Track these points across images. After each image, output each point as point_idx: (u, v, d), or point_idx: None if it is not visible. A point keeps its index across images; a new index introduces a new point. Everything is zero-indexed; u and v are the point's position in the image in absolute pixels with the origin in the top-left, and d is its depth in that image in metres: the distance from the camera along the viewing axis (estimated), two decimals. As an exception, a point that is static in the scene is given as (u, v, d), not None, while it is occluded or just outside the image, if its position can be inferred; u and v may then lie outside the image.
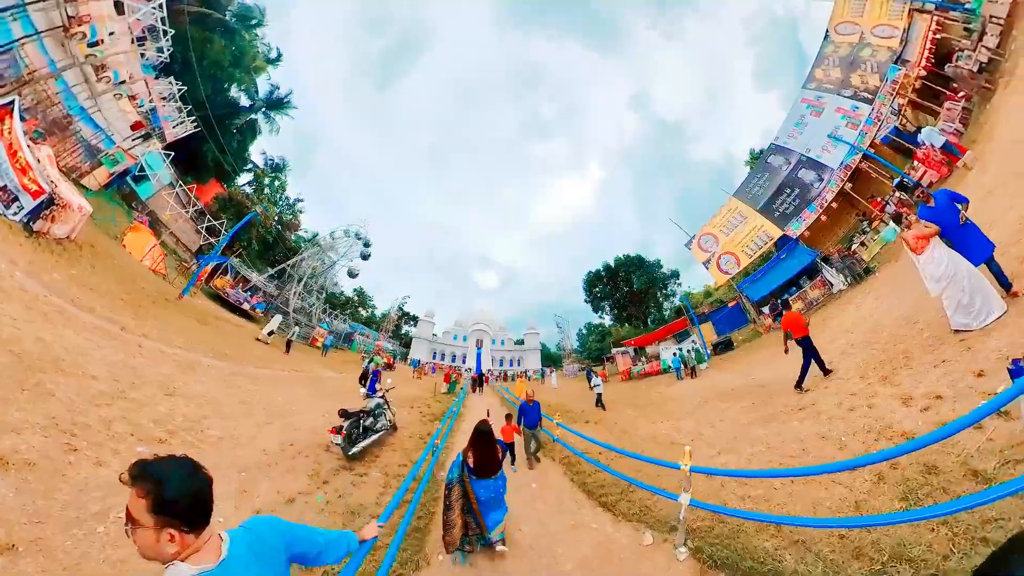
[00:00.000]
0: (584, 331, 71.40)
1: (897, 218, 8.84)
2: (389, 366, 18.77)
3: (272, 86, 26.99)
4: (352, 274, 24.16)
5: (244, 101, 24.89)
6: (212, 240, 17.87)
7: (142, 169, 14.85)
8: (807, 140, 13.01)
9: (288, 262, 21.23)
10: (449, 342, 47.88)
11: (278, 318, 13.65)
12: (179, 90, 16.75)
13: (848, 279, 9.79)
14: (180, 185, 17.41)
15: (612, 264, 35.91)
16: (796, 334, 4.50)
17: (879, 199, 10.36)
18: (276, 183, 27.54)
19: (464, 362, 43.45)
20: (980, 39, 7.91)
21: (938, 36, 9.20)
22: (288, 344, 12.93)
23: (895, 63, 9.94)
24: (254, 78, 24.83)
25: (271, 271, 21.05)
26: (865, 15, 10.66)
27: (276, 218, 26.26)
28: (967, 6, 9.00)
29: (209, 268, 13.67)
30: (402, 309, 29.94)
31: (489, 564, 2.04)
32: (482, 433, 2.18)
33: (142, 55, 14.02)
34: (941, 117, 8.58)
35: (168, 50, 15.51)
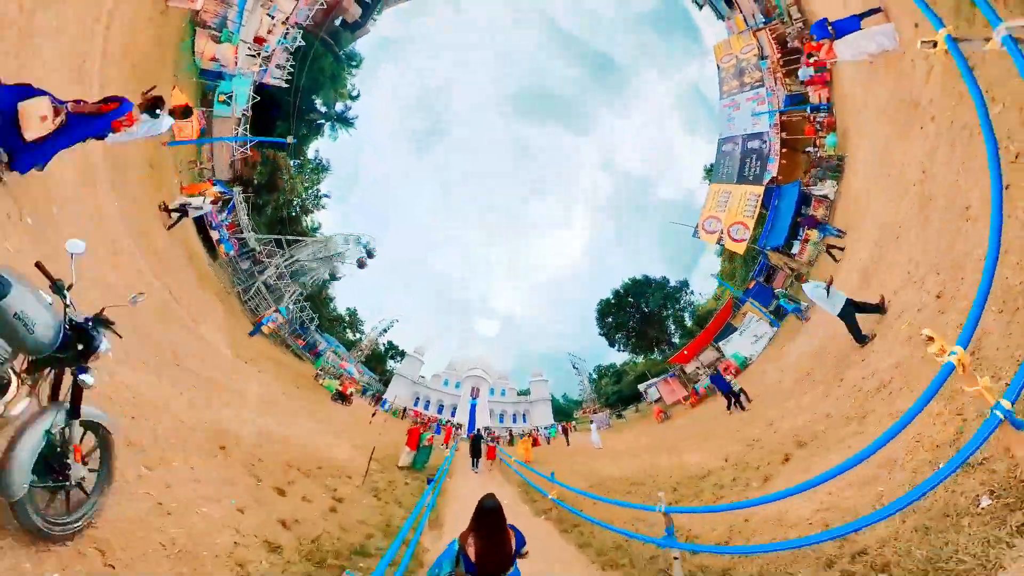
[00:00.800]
0: (595, 375, 67.22)
1: (831, 127, 12.16)
2: (342, 395, 14.91)
3: (345, 106, 32.92)
4: (361, 266, 22.75)
5: (321, 108, 31.01)
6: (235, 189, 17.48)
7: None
8: (741, 125, 17.85)
9: (287, 238, 20.72)
10: (438, 387, 41.39)
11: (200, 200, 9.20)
12: (291, 54, 18.93)
13: (833, 183, 11.59)
14: (246, 120, 17.36)
15: (620, 290, 35.20)
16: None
17: (809, 117, 13.56)
18: (315, 176, 31.04)
19: (454, 415, 37.17)
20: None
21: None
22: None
23: (762, 59, 16.67)
24: (335, 99, 31.04)
25: (268, 236, 19.82)
26: (732, 45, 18.02)
27: (300, 199, 27.60)
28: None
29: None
30: (386, 332, 27.50)
31: None
32: (489, 512, 1.65)
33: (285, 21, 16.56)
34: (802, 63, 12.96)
35: (298, 39, 18.60)
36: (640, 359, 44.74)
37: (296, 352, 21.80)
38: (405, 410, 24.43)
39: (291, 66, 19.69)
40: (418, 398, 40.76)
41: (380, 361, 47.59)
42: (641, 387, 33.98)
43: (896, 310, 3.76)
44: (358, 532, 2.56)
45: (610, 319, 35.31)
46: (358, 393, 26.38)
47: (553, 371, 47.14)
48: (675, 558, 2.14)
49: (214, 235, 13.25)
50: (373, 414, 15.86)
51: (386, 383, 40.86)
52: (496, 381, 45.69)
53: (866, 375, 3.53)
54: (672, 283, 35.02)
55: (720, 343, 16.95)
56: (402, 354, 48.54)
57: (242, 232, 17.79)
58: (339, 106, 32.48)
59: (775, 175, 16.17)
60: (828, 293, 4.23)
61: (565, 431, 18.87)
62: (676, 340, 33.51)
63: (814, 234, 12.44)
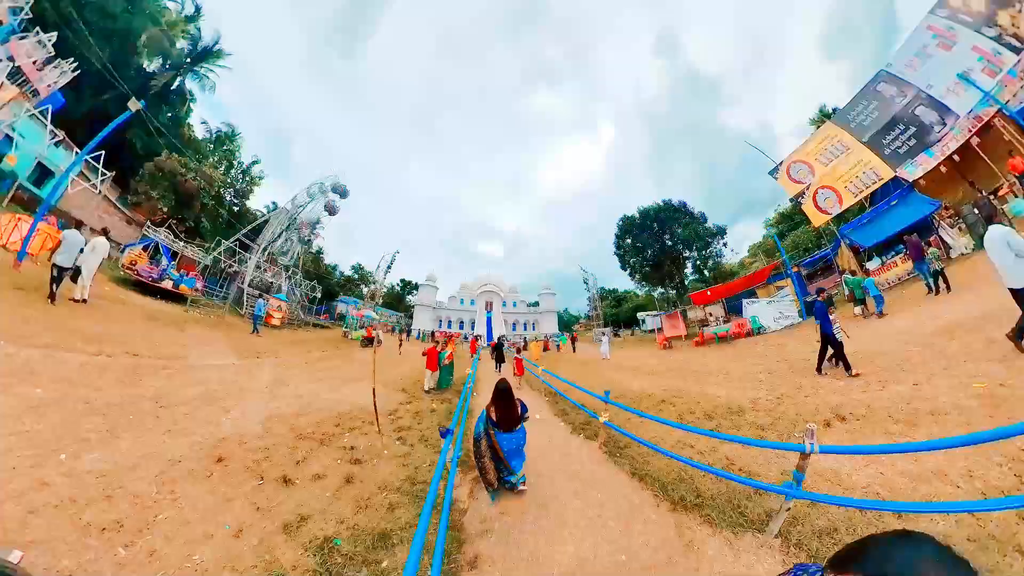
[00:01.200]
0: (596, 295, 71.24)
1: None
2: (369, 339, 15.13)
3: (192, 36, 23.55)
4: (332, 211, 21.13)
5: (150, 63, 22.08)
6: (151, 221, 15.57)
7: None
8: (929, 74, 11.69)
9: (242, 232, 18.92)
10: (455, 307, 44.67)
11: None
12: (49, 40, 13.23)
13: (970, 242, 9.02)
14: (99, 174, 14.47)
15: (651, 209, 31.91)
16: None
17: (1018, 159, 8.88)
18: (226, 153, 26.29)
19: (473, 328, 41.10)
20: None
21: None
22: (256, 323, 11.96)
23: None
24: (165, 41, 21.65)
25: (227, 245, 18.29)
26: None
27: (227, 187, 24.45)
28: None
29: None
30: (391, 268, 27.41)
31: (515, 501, 2.44)
32: (502, 392, 2.63)
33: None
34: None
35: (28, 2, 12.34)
36: (643, 290, 44.88)
37: (321, 325, 21.94)
38: (433, 333, 26.02)
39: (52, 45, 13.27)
40: (440, 320, 44.99)
41: (401, 299, 51.75)
42: (641, 315, 36.04)
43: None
44: (379, 508, 2.45)
45: (629, 239, 32.98)
46: (387, 332, 27.24)
47: (556, 288, 49.07)
48: (787, 509, 1.92)
49: (166, 285, 12.01)
50: (400, 344, 17.04)
51: (412, 316, 44.48)
52: (507, 295, 48.87)
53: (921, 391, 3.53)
54: (709, 225, 30.34)
55: (744, 301, 15.02)
56: (416, 287, 52.48)
57: (196, 260, 16.43)
58: (182, 45, 23.16)
59: (919, 178, 11.73)
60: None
61: (573, 340, 20.83)
62: (687, 283, 32.62)
63: (905, 266, 10.11)
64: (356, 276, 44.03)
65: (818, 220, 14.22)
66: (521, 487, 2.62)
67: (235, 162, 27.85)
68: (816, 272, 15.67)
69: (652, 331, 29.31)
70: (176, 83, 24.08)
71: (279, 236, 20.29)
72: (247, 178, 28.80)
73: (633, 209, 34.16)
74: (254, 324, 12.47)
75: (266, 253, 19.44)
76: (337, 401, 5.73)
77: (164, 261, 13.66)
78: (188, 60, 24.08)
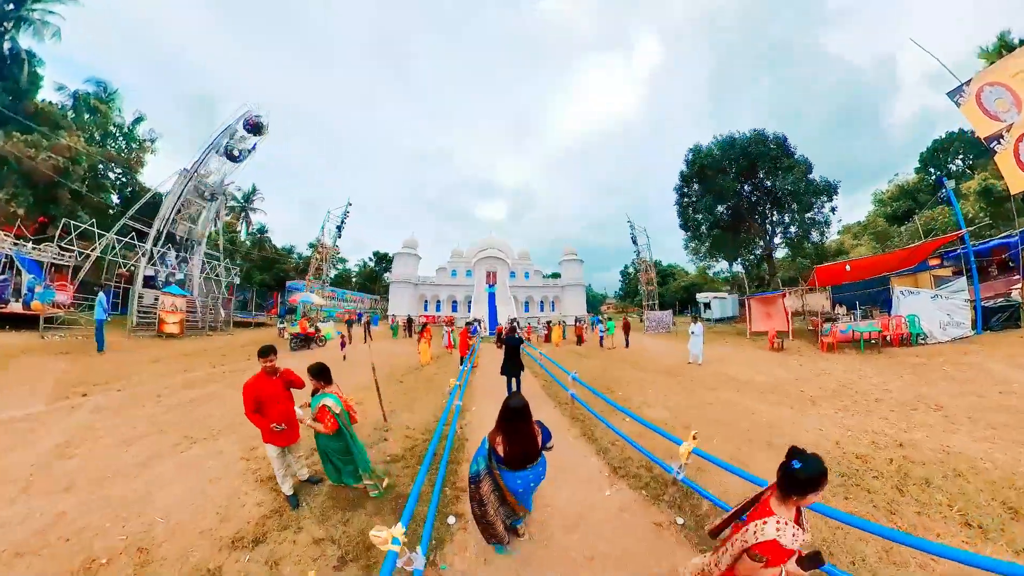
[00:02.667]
0: (632, 269, 67.73)
1: None
2: (303, 338, 13.41)
3: None
4: (232, 155, 18.65)
5: None
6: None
7: None
8: None
9: (126, 216, 17.04)
10: (445, 281, 40.69)
11: None
12: None
13: None
14: None
15: (737, 142, 26.52)
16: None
17: None
18: (99, 119, 24.78)
19: (469, 310, 36.58)
20: None
21: None
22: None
23: None
24: None
25: (108, 239, 16.05)
26: None
27: (108, 163, 23.20)
28: None
29: None
30: (342, 226, 23.74)
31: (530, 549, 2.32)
32: (515, 412, 2.12)
33: None
34: None
35: None
36: (699, 263, 40.16)
37: (261, 324, 21.05)
38: (410, 321, 23.04)
39: None
40: (425, 301, 40.91)
41: (377, 278, 49.10)
42: (704, 297, 31.77)
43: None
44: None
45: (698, 185, 27.74)
46: (340, 323, 25.92)
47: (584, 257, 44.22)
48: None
49: (14, 308, 11.82)
50: (344, 342, 13.22)
51: (387, 295, 41.10)
52: (516, 263, 44.19)
53: None
54: (814, 177, 25.09)
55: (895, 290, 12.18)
56: (388, 261, 47.89)
57: (66, 266, 14.87)
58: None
59: None
60: None
61: (626, 328, 17.05)
62: (777, 255, 28.31)
63: None
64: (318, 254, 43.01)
65: (1019, 182, 11.36)
66: (520, 530, 2.39)
67: (112, 128, 26.01)
68: (986, 266, 13.58)
69: (719, 320, 26.31)
70: (5, 44, 21.48)
71: (177, 211, 17.92)
72: (133, 144, 26.85)
73: (676, 153, 28.74)
74: (97, 338, 10.63)
75: (165, 238, 17.71)
76: (117, 516, 3.26)
77: (25, 276, 12.90)
78: (9, 4, 21.36)
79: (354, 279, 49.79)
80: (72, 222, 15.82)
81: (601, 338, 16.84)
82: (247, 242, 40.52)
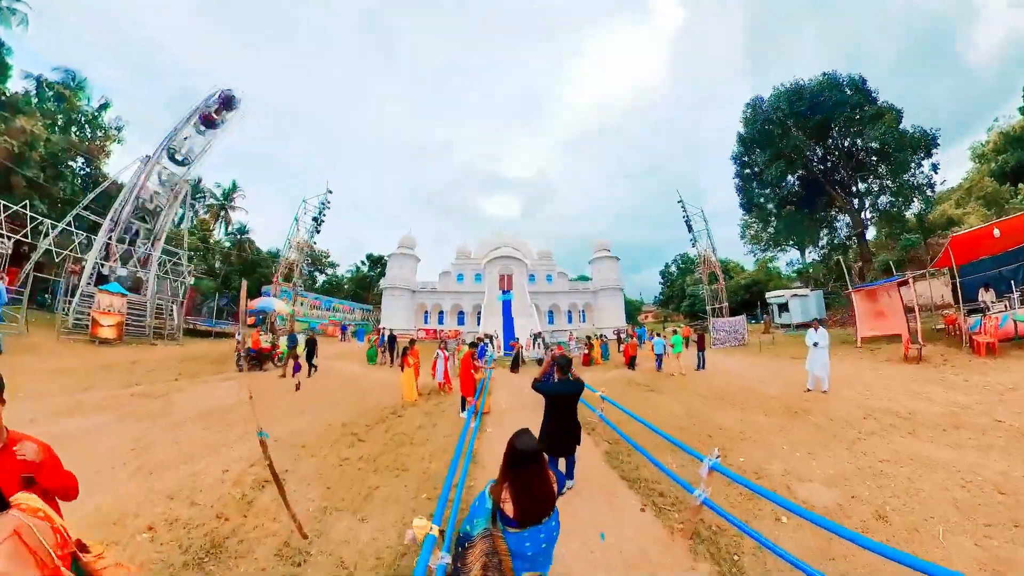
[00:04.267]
0: (675, 268, 64.85)
1: None
2: (260, 356, 12.84)
3: None
4: (175, 158, 19.04)
5: None
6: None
7: None
8: None
9: (81, 204, 18.04)
10: (449, 287, 39.65)
11: None
12: None
13: None
14: None
15: (805, 90, 24.55)
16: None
17: None
18: (60, 107, 26.50)
19: (479, 323, 35.31)
20: None
21: None
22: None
23: None
24: None
25: (62, 227, 16.96)
26: None
27: (69, 151, 24.69)
28: None
29: None
30: (321, 217, 22.94)
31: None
32: (525, 456, 1.99)
33: None
34: None
35: None
36: (761, 255, 37.59)
37: (222, 334, 20.51)
38: (386, 341, 17.88)
39: None
40: (426, 312, 39.84)
41: (371, 286, 49.06)
42: (776, 296, 28.53)
43: None
44: None
45: (760, 150, 25.77)
46: (334, 335, 24.81)
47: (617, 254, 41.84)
48: None
49: None
50: (289, 367, 11.99)
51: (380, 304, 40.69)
52: (536, 263, 42.71)
53: None
54: (907, 127, 22.81)
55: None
56: (381, 264, 47.59)
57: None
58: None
59: None
60: None
61: (700, 343, 14.14)
62: (871, 231, 26.96)
63: None
64: (311, 259, 43.52)
65: None
66: None
67: (78, 116, 27.77)
68: None
69: (801, 326, 24.09)
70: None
71: (139, 203, 18.38)
72: (96, 131, 28.46)
73: (708, 143, 26.86)
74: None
75: (121, 231, 17.99)
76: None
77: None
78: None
79: (346, 286, 49.94)
80: (3, 203, 15.69)
81: (659, 359, 14.73)
82: (226, 243, 41.39)
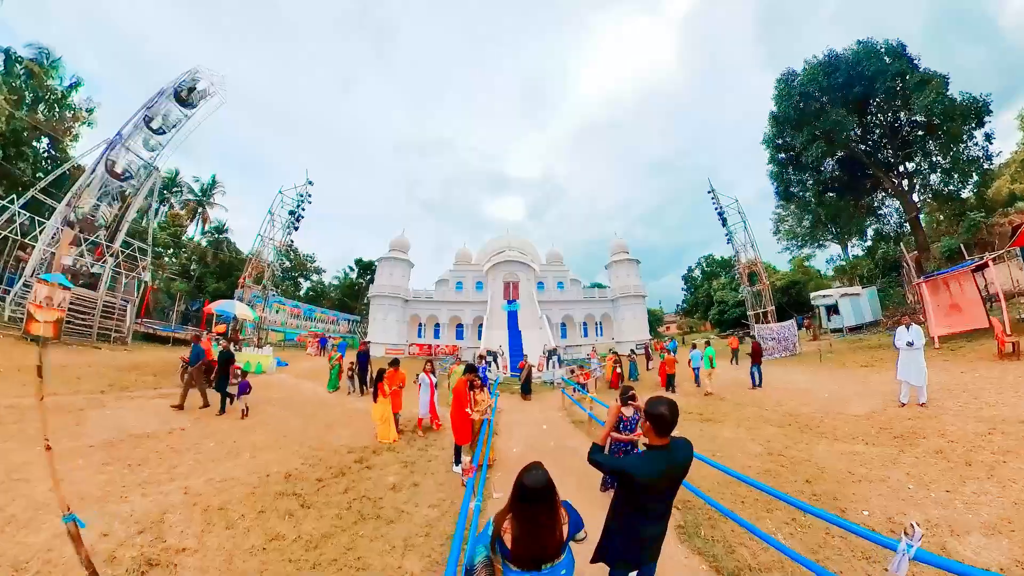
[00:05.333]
0: (699, 272, 63.93)
1: None
2: (210, 369, 10.20)
3: None
4: (151, 125, 18.83)
5: None
6: None
7: None
8: None
9: (37, 187, 18.12)
10: (447, 296, 38.85)
11: None
12: None
13: None
14: None
15: (841, 61, 24.29)
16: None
17: None
18: (27, 83, 27.23)
19: (480, 337, 33.47)
20: None
21: None
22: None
23: None
24: None
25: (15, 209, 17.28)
26: None
27: (33, 130, 25.01)
28: None
29: None
30: (299, 212, 22.50)
31: None
32: (533, 493, 2.05)
33: None
34: None
35: None
36: (796, 252, 36.98)
37: (181, 340, 19.83)
38: (363, 361, 13.86)
39: None
40: (420, 324, 38.98)
41: (359, 295, 48.82)
42: (822, 296, 26.99)
43: None
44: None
45: (793, 132, 25.08)
46: (312, 350, 24.20)
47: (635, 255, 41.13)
48: None
49: None
50: (240, 394, 9.66)
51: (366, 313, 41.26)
52: (545, 268, 42.25)
53: None
54: (951, 94, 22.61)
55: None
56: (370, 270, 46.84)
57: None
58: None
59: None
60: None
61: (755, 355, 13.03)
62: (924, 215, 26.28)
63: None
64: (290, 262, 45.17)
65: None
66: None
67: (46, 95, 28.22)
68: None
69: (855, 329, 24.08)
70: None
71: (99, 185, 18.23)
72: (65, 111, 28.82)
73: (785, 79, 26.60)
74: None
75: (81, 218, 17.78)
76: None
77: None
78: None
79: (332, 294, 49.73)
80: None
81: (696, 374, 13.83)
82: (202, 243, 41.47)
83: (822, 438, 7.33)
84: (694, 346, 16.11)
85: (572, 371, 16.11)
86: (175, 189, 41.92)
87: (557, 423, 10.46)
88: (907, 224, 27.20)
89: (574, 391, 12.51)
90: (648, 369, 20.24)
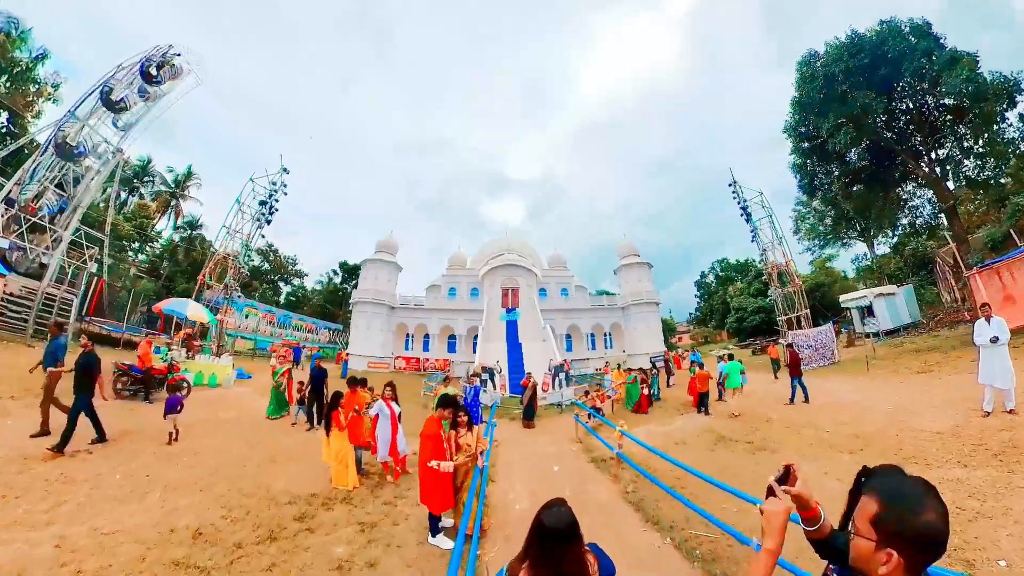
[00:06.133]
0: (713, 278, 63.79)
1: None
2: (145, 380, 11.08)
3: None
4: (110, 99, 18.27)
5: None
6: None
7: None
8: None
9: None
10: (439, 304, 38.25)
11: None
12: None
13: None
14: None
15: (865, 42, 24.28)
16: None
17: None
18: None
19: (475, 351, 33.11)
20: None
21: None
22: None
23: None
24: None
25: None
26: None
27: None
28: None
29: None
30: (271, 203, 22.02)
31: None
32: (555, 535, 2.00)
33: None
34: None
35: None
36: (820, 251, 36.66)
37: (126, 342, 19.23)
38: (315, 383, 11.38)
39: None
40: (408, 334, 38.16)
41: (343, 301, 46.56)
42: (853, 299, 26.92)
43: None
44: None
45: (825, 116, 25.05)
46: (282, 361, 23.90)
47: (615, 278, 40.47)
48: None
49: None
50: (170, 411, 8.32)
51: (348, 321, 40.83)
52: (547, 273, 42.00)
53: None
54: (982, 71, 22.72)
55: None
56: (354, 273, 46.24)
57: None
58: None
59: None
60: None
61: (794, 366, 12.58)
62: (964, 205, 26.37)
63: None
64: (267, 264, 45.87)
65: None
66: None
67: (10, 67, 28.28)
68: None
69: (892, 332, 23.82)
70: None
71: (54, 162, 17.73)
72: (28, 84, 28.77)
73: (807, 60, 26.70)
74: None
75: (28, 200, 17.30)
76: None
77: None
78: None
79: (314, 300, 49.60)
80: None
81: (720, 390, 13.23)
82: (174, 239, 41.29)
83: (908, 463, 6.60)
84: (721, 358, 15.50)
85: (587, 392, 15.00)
86: (146, 178, 41.22)
87: (571, 461, 9.09)
88: (942, 215, 27.18)
89: (589, 418, 11.51)
90: (669, 386, 19.45)
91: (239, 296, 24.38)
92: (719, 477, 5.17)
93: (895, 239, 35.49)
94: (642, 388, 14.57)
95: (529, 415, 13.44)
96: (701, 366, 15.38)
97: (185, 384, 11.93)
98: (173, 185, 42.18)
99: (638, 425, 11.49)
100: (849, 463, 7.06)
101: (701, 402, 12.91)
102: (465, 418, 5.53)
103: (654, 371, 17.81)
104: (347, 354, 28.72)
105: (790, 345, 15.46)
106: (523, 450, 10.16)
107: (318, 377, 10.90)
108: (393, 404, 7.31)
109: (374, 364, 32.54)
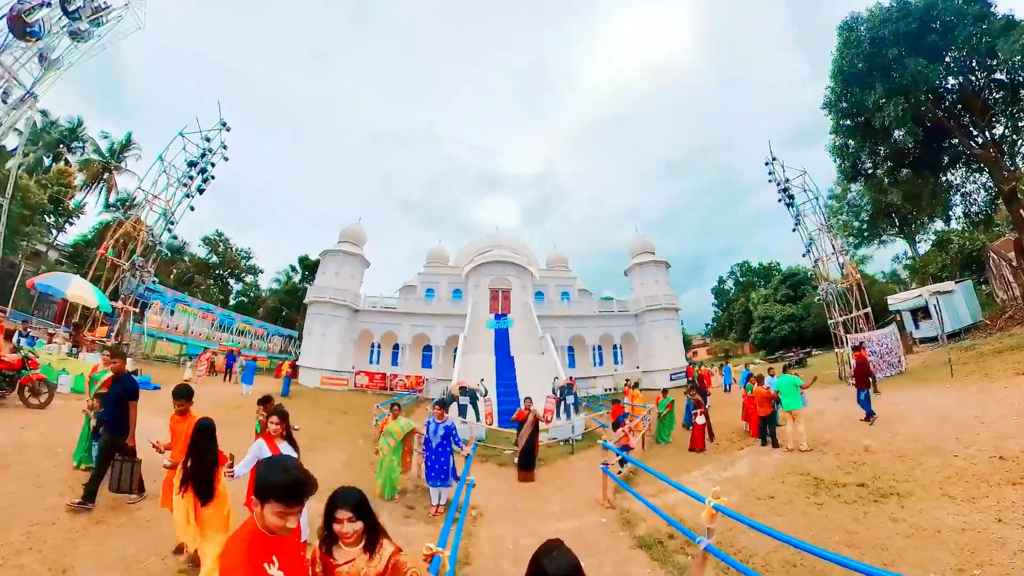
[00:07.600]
0: (732, 284, 63.74)
1: None
2: None
3: None
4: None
5: None
6: None
7: None
8: None
9: None
10: (414, 308, 37.01)
11: None
12: None
13: None
14: None
15: (911, 6, 24.89)
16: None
17: None
18: None
19: (455, 367, 32.34)
20: None
21: None
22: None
23: None
24: None
25: None
26: None
27: None
28: None
29: None
30: (201, 172, 20.77)
31: None
32: None
33: None
34: None
35: None
36: (852, 250, 37.85)
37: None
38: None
39: None
40: (373, 345, 37.42)
41: (298, 302, 44.74)
42: (907, 300, 27.91)
43: None
44: None
45: (871, 87, 25.48)
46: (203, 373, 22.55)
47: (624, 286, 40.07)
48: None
49: None
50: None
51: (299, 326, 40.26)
52: (546, 274, 41.86)
53: None
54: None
55: None
56: (311, 269, 44.97)
57: None
58: None
59: None
60: None
61: (862, 378, 12.09)
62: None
63: None
64: (217, 258, 46.29)
65: None
66: None
67: None
68: None
69: (953, 335, 24.11)
70: None
71: None
72: None
73: (849, 24, 27.12)
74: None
75: None
76: None
77: None
78: None
79: (269, 301, 49.12)
80: None
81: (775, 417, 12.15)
82: (105, 217, 39.62)
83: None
84: (770, 372, 14.58)
85: (626, 429, 11.72)
86: (75, 143, 39.22)
87: (605, 550, 6.55)
88: (998, 201, 27.59)
89: (621, 465, 9.75)
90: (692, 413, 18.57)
91: (154, 279, 22.55)
92: (857, 553, 4.10)
93: (937, 235, 36.15)
94: (695, 415, 12.93)
95: (528, 464, 11.18)
96: (760, 380, 14.14)
97: (45, 387, 11.26)
98: (108, 154, 40.81)
99: (691, 469, 10.46)
100: (1019, 499, 6.09)
101: (764, 430, 11.80)
102: (349, 533, 2.24)
103: (690, 393, 15.20)
104: (293, 366, 26.99)
105: (857, 348, 14.77)
106: (519, 526, 7.58)
107: (114, 398, 6.53)
108: (283, 445, 4.97)
109: (329, 380, 31.10)
